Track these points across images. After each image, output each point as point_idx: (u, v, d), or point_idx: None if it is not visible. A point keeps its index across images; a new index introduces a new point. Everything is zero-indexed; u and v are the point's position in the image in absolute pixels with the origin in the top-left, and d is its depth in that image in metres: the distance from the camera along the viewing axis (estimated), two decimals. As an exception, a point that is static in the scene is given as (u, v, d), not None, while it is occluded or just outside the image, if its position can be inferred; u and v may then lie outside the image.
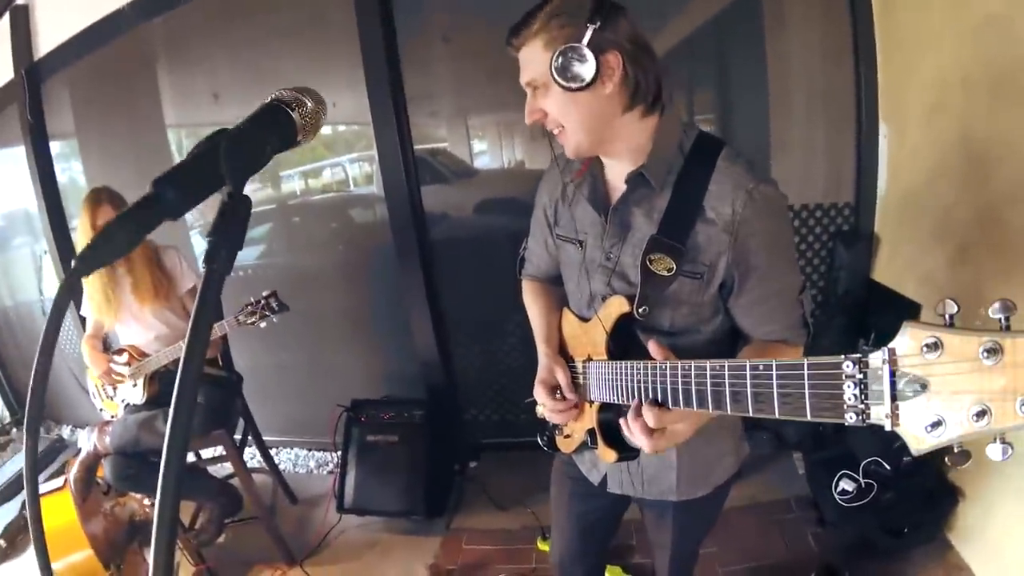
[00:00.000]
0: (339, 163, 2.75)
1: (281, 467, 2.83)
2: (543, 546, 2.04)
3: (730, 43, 2.22)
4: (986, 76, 1.48)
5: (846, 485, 1.78)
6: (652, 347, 0.79)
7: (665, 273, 0.86)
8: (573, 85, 0.81)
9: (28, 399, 0.45)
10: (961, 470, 1.70)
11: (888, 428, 0.51)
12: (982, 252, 1.56)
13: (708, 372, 0.69)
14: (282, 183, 2.86)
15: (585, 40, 0.79)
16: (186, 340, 0.42)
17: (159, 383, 2.08)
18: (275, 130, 0.50)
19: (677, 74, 2.31)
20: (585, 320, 1.02)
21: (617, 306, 0.91)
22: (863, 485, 1.76)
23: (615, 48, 0.81)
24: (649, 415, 0.78)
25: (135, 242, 0.44)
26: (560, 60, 0.80)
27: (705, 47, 2.27)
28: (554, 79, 0.81)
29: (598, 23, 0.79)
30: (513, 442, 2.58)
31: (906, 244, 1.98)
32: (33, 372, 0.44)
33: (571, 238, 1.02)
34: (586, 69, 0.80)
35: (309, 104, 0.52)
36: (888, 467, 1.75)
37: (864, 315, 2.12)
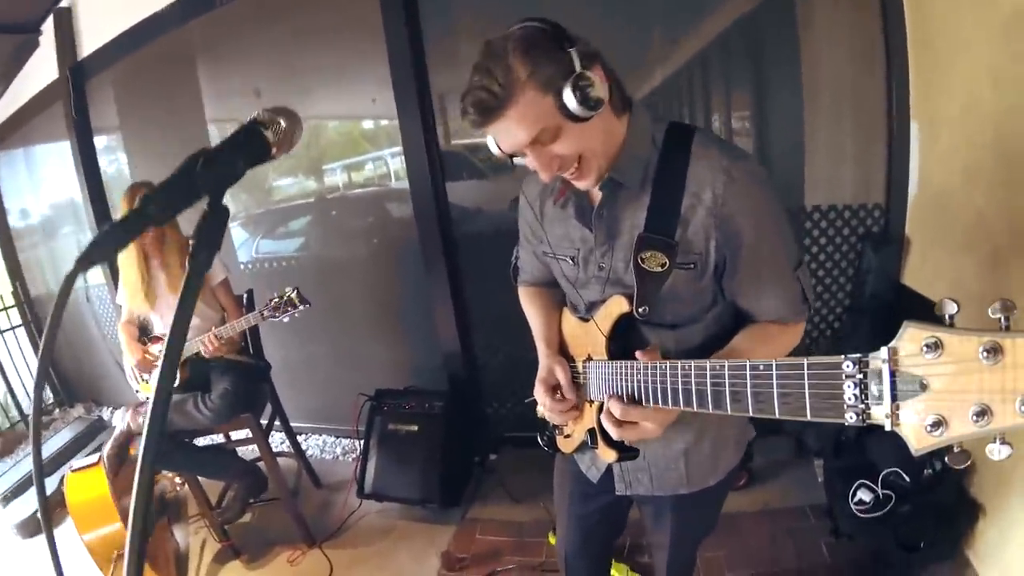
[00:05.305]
0: (381, 156, 2.80)
1: (309, 452, 2.91)
2: (554, 540, 2.05)
3: (765, 41, 2.17)
4: (1017, 73, 1.43)
5: (863, 495, 1.73)
6: (640, 355, 0.81)
7: (659, 269, 0.85)
8: (599, 110, 0.77)
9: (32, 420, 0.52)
10: (982, 486, 1.65)
11: (888, 428, 0.51)
12: (1014, 257, 1.51)
13: (708, 372, 0.69)
14: (324, 176, 2.90)
15: (578, 65, 0.75)
16: (171, 323, 0.51)
17: (190, 369, 2.17)
18: (248, 148, 0.57)
19: (713, 72, 2.27)
20: (585, 320, 1.01)
21: (617, 306, 0.91)
22: (881, 496, 1.70)
23: (594, 59, 0.79)
24: (615, 408, 0.82)
25: (124, 243, 0.53)
26: (578, 93, 0.75)
27: (740, 44, 2.22)
28: (576, 115, 0.77)
29: (569, 44, 0.77)
30: (533, 437, 2.58)
31: (937, 247, 1.92)
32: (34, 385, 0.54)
33: (560, 256, 1.02)
34: (598, 89, 0.76)
35: (283, 123, 0.59)
36: (908, 479, 1.69)
37: (892, 320, 2.05)
